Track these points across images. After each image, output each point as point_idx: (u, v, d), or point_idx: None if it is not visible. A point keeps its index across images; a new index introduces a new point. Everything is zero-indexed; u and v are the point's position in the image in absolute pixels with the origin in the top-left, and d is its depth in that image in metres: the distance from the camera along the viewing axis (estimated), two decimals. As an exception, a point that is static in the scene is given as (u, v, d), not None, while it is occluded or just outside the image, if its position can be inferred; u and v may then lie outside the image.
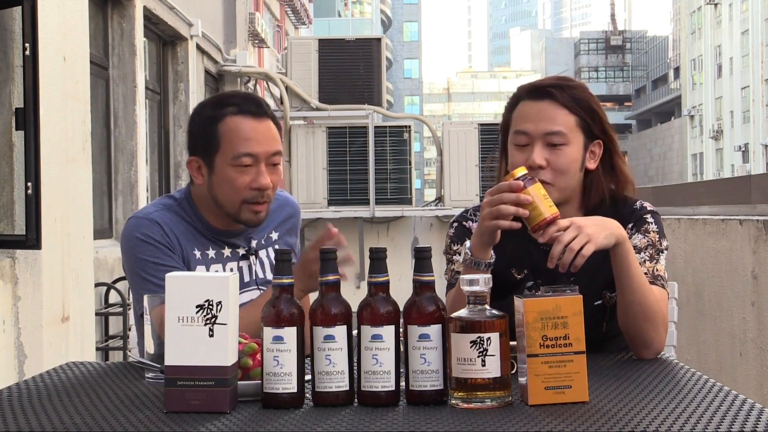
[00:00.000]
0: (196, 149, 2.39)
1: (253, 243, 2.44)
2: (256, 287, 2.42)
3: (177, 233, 2.35)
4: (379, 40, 12.74)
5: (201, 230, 2.40)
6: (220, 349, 1.66)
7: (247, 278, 2.42)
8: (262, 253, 2.46)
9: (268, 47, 18.76)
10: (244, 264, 2.43)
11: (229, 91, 2.65)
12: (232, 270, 2.40)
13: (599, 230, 2.04)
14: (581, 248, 1.99)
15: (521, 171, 2.05)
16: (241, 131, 2.33)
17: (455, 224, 2.39)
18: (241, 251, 2.43)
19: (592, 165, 2.30)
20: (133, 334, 2.53)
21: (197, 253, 2.37)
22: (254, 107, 2.37)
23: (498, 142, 2.40)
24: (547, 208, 2.02)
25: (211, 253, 2.39)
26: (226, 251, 2.42)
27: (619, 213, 2.28)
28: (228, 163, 2.33)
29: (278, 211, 2.51)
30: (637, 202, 2.34)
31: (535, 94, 2.27)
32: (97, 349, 6.53)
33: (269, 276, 2.44)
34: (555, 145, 2.23)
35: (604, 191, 2.32)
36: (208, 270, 2.37)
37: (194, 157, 2.39)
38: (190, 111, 11.25)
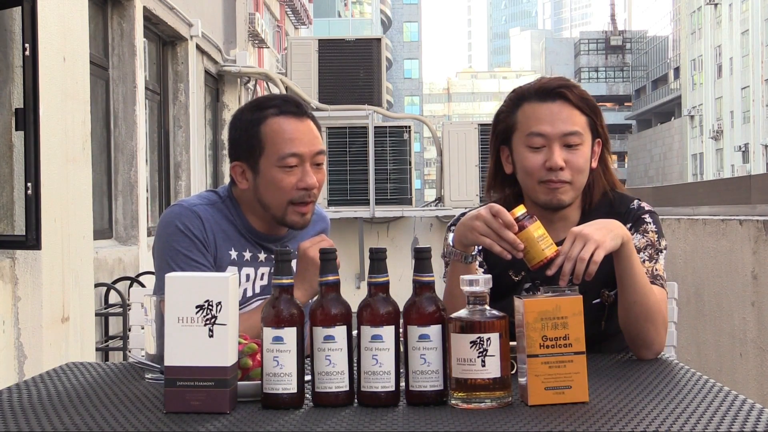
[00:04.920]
0: (239, 154, 2.39)
1: None
2: None
3: (216, 231, 2.36)
4: (379, 40, 12.74)
5: (242, 231, 2.40)
6: (220, 350, 1.66)
7: None
8: (294, 264, 2.46)
9: (268, 47, 18.77)
10: None
11: (266, 95, 2.66)
12: (263, 276, 2.41)
13: (605, 234, 2.02)
14: (591, 255, 1.98)
15: (520, 210, 2.01)
16: (284, 132, 2.33)
17: (453, 228, 2.39)
18: None
19: (594, 163, 2.31)
20: (133, 334, 2.53)
21: (233, 254, 2.37)
22: (294, 108, 2.38)
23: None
24: (540, 251, 1.99)
25: (247, 255, 2.39)
26: (261, 256, 2.42)
27: (615, 211, 2.29)
28: (273, 165, 2.33)
29: (313, 226, 2.50)
30: (634, 201, 2.34)
31: (544, 95, 2.25)
32: (97, 349, 6.53)
33: None
34: (571, 145, 2.23)
35: (605, 189, 2.34)
36: (240, 271, 2.37)
37: (238, 162, 2.39)
38: (190, 111, 11.28)
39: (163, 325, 1.92)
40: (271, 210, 2.36)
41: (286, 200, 2.34)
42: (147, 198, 9.04)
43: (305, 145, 2.34)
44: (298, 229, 2.42)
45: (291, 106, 2.38)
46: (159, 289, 2.30)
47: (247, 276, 2.38)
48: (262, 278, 2.41)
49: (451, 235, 2.19)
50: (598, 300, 2.27)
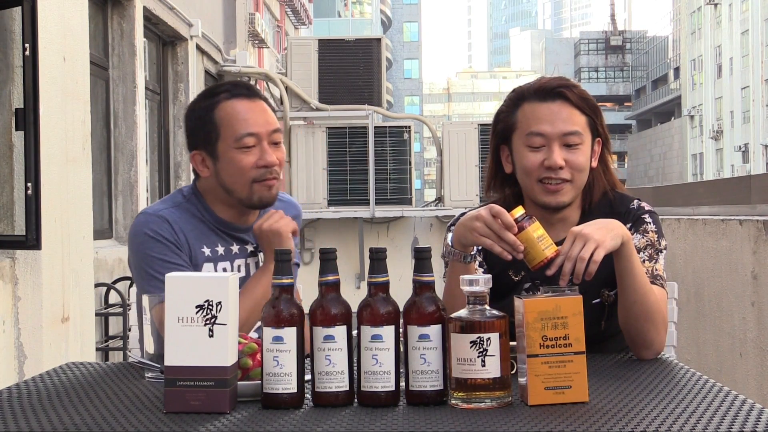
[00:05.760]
0: (197, 143, 2.41)
1: None
2: None
3: (186, 231, 2.36)
4: (379, 40, 12.74)
5: (211, 225, 2.40)
6: (220, 350, 1.66)
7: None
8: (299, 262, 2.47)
9: (268, 47, 18.77)
10: (251, 261, 2.44)
11: (217, 83, 2.74)
12: (239, 267, 2.41)
13: (605, 233, 2.02)
14: (592, 255, 1.98)
15: (519, 211, 2.02)
16: (238, 113, 2.36)
17: (453, 228, 2.39)
18: (250, 248, 2.44)
19: (594, 163, 2.31)
20: (133, 334, 2.53)
21: (206, 251, 2.38)
22: (245, 90, 2.41)
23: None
24: (540, 251, 1.99)
25: (220, 249, 2.40)
26: (235, 247, 2.42)
27: (615, 211, 2.29)
28: (231, 147, 2.35)
29: (284, 211, 2.51)
30: (634, 201, 2.34)
31: (544, 94, 2.26)
32: (97, 349, 6.53)
33: None
34: (571, 145, 2.23)
35: (605, 189, 2.34)
36: (216, 267, 2.37)
37: (196, 151, 2.41)
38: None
39: (153, 331, 1.94)
40: (235, 193, 2.37)
41: (249, 180, 2.35)
42: (147, 198, 9.04)
43: (260, 124, 2.36)
44: (266, 206, 2.41)
45: (242, 88, 2.41)
46: (141, 299, 2.31)
47: (224, 270, 2.39)
48: (239, 270, 2.42)
49: (450, 235, 2.19)
50: (598, 300, 2.27)
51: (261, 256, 2.45)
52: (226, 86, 2.43)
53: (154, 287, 2.23)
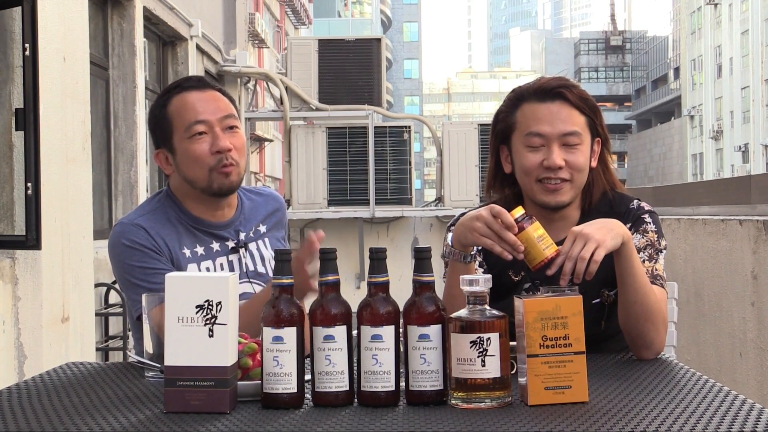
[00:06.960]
0: (158, 142, 2.44)
1: (242, 236, 2.45)
2: (247, 280, 2.43)
3: (164, 235, 2.36)
4: (379, 40, 12.75)
5: (188, 225, 2.40)
6: (220, 350, 1.66)
7: (237, 271, 2.43)
8: (252, 246, 2.46)
9: (268, 47, 18.77)
10: (234, 257, 2.44)
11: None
12: (222, 266, 2.41)
13: (605, 233, 2.02)
14: (592, 254, 1.98)
15: (519, 211, 2.02)
16: (187, 104, 2.38)
17: (453, 228, 2.39)
18: (231, 244, 2.43)
19: (593, 163, 2.31)
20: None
21: (187, 252, 2.37)
22: (195, 82, 2.44)
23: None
24: (541, 251, 1.99)
25: (200, 249, 2.39)
26: (215, 245, 2.42)
27: (615, 211, 2.29)
28: (184, 138, 2.37)
29: (264, 205, 2.53)
30: (633, 201, 2.34)
31: (544, 95, 2.26)
32: (97, 349, 6.53)
33: (260, 269, 2.45)
34: (570, 145, 2.23)
35: (604, 189, 2.34)
36: (199, 268, 2.37)
37: (159, 150, 2.44)
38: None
39: (152, 331, 1.93)
40: (197, 183, 2.38)
41: (206, 168, 2.36)
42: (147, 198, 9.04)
43: (210, 111, 2.37)
44: (227, 194, 2.41)
45: (192, 81, 2.44)
46: (131, 309, 2.32)
47: (207, 269, 2.39)
48: (222, 268, 2.41)
49: (450, 235, 2.19)
50: (598, 300, 2.27)
51: (243, 251, 2.44)
52: (178, 81, 2.46)
53: (138, 296, 2.22)
